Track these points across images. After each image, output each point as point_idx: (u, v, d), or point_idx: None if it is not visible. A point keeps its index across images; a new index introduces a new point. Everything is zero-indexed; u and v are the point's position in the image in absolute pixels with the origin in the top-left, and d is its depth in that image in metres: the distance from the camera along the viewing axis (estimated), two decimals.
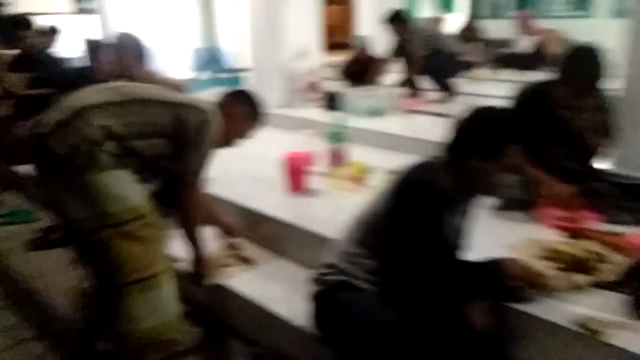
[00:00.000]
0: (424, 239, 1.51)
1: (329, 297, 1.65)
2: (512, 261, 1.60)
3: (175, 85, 2.89)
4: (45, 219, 3.54)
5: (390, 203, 1.58)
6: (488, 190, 1.63)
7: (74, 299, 2.52)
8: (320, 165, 3.10)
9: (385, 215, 1.59)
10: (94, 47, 3.37)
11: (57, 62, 4.39)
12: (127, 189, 1.79)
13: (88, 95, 1.83)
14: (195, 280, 2.18)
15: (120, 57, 2.93)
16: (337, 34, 9.94)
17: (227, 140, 2.11)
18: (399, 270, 1.57)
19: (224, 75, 6.60)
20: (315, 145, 3.18)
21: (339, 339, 1.62)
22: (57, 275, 2.79)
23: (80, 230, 1.79)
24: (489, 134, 1.51)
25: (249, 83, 5.27)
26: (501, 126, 1.52)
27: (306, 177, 2.87)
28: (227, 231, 2.46)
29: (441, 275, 1.53)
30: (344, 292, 1.60)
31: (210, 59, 6.57)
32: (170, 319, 1.95)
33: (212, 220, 2.38)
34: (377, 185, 2.82)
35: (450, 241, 1.61)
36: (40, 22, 4.57)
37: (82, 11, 7.36)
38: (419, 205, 1.51)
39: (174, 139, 1.87)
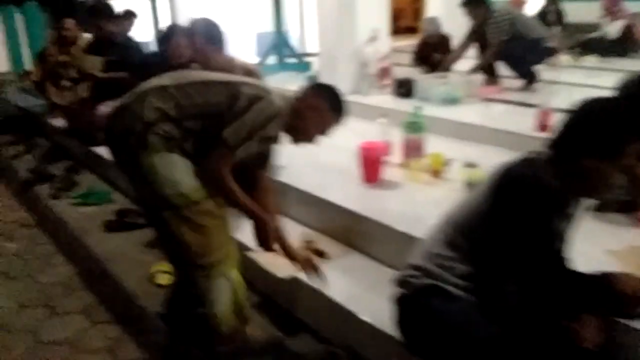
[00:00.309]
0: (529, 242, 1.37)
1: (416, 302, 1.53)
2: (628, 275, 1.43)
3: (250, 71, 2.83)
4: (120, 201, 3.62)
5: (488, 201, 1.44)
6: (600, 192, 1.46)
7: (149, 282, 2.55)
8: (395, 156, 2.97)
9: (481, 215, 1.45)
10: (167, 32, 3.37)
11: (135, 46, 4.44)
12: (179, 173, 1.77)
13: (152, 81, 1.87)
14: (264, 247, 2.02)
15: (193, 42, 2.91)
16: (403, 18, 9.66)
17: (307, 135, 1.97)
18: (497, 277, 1.44)
19: (292, 61, 6.48)
20: (390, 135, 3.05)
21: (428, 348, 1.52)
22: (132, 258, 2.84)
23: (148, 210, 1.86)
24: (609, 131, 1.33)
25: (317, 68, 5.17)
26: (623, 121, 1.34)
27: (381, 168, 2.76)
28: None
29: (548, 285, 1.38)
30: (434, 298, 1.47)
31: (278, 43, 6.45)
32: (232, 309, 1.92)
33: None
34: (455, 178, 2.68)
35: (555, 247, 1.45)
36: (117, 7, 4.66)
37: None
38: (525, 204, 1.36)
39: (227, 115, 1.80)
